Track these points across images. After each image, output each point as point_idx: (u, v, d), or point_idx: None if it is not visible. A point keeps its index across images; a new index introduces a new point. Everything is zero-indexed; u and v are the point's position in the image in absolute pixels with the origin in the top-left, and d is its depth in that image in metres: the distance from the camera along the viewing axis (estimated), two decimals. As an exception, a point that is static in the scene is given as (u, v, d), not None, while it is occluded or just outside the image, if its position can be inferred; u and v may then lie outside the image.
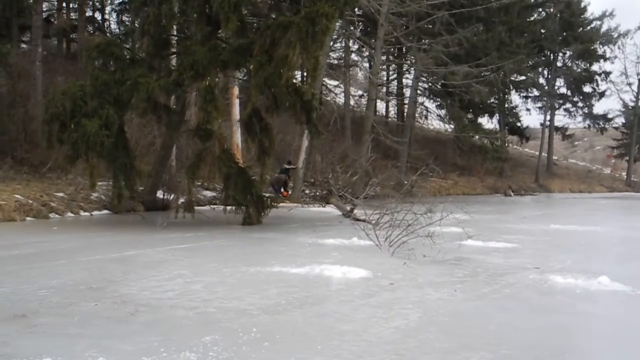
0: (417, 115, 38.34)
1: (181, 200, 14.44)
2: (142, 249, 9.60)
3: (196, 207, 14.02)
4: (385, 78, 39.72)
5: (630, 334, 5.57)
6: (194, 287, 6.73)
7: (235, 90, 20.25)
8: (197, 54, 12.63)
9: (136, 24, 14.25)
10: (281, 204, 17.83)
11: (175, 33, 15.20)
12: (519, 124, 45.99)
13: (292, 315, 5.62)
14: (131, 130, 17.03)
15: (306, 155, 22.32)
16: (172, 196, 15.99)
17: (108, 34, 26.41)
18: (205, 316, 5.49)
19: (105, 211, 15.33)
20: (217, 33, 13.98)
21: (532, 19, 43.37)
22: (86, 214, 14.88)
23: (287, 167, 21.52)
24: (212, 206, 16.84)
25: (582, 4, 47.06)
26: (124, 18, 21.44)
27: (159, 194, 16.18)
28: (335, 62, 36.95)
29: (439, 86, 33.76)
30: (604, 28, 47.73)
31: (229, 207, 14.04)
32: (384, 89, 39.39)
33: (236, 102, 20.36)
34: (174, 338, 4.77)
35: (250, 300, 6.15)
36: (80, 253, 9.14)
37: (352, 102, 36.15)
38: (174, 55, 15.02)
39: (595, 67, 48.50)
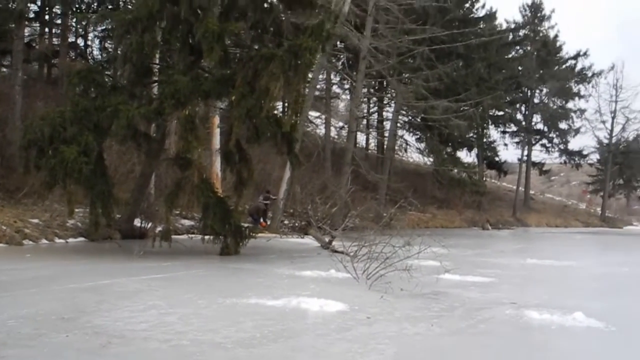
0: (397, 148, 38.64)
1: (159, 228, 14.32)
2: (117, 278, 9.46)
3: (174, 236, 13.88)
4: (366, 111, 40.05)
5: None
6: (169, 318, 6.64)
7: (216, 120, 20.23)
8: (179, 83, 12.64)
9: (118, 51, 14.23)
10: (259, 234, 17.75)
11: (157, 61, 15.23)
12: (497, 159, 46.60)
13: (267, 349, 5.56)
14: (110, 157, 16.92)
15: (287, 186, 22.31)
16: (150, 224, 15.84)
17: (90, 61, 26.39)
18: (178, 349, 5.41)
19: (81, 239, 15.12)
20: (200, 62, 14.05)
21: (510, 56, 44.39)
22: (61, 241, 14.66)
23: (266, 197, 21.48)
24: (190, 235, 16.70)
25: (558, 43, 48.29)
26: (107, 45, 21.47)
27: (137, 222, 16.04)
28: (317, 93, 37.23)
29: (418, 120, 34.11)
30: (579, 67, 48.96)
31: (207, 237, 13.93)
32: (365, 122, 39.71)
33: (217, 131, 20.33)
34: (147, 371, 4.69)
35: (226, 333, 6.07)
36: (53, 281, 8.98)
37: (332, 134, 36.38)
38: (156, 84, 15.03)
39: (570, 104, 49.63)
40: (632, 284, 12.80)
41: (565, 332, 7.07)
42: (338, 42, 32.64)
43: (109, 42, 20.25)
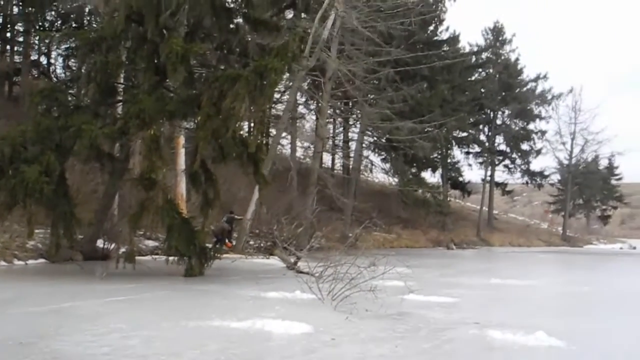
0: (362, 168, 38.84)
1: (122, 249, 14.12)
2: (79, 301, 9.29)
3: (137, 257, 13.68)
4: (331, 131, 40.27)
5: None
6: (131, 341, 6.54)
7: (181, 140, 20.15)
8: (144, 103, 12.58)
9: (82, 70, 14.11)
10: (224, 255, 17.63)
11: (122, 81, 15.14)
12: (460, 179, 47.19)
13: (231, 372, 5.52)
14: (73, 177, 16.66)
15: (256, 207, 22.24)
16: (113, 245, 15.62)
17: (53, 79, 26.06)
18: (141, 373, 5.34)
19: (42, 260, 14.81)
20: (165, 82, 14.01)
21: (473, 78, 45.25)
22: (20, 262, 14.35)
23: (230, 217, 21.37)
24: (154, 256, 16.48)
25: (519, 66, 49.37)
26: (70, 63, 21.24)
27: (99, 243, 15.79)
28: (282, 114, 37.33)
29: (384, 140, 34.37)
30: (539, 90, 50.13)
31: (171, 258, 13.80)
32: (331, 142, 39.87)
33: (182, 151, 20.24)
34: (108, 397, 4.61)
35: (190, 355, 6.01)
36: (11, 305, 8.78)
37: (298, 154, 36.43)
38: (120, 103, 14.92)
39: (532, 126, 50.69)
40: (592, 303, 13.03)
41: (527, 352, 7.16)
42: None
43: (72, 60, 20.02)
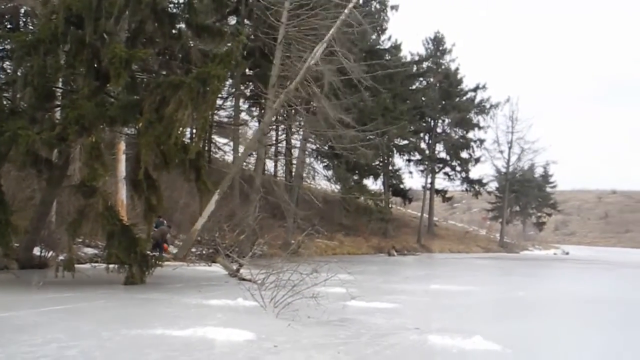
0: (305, 175, 38.94)
1: (60, 257, 13.79)
2: (14, 311, 9.06)
3: (76, 265, 13.40)
4: (274, 138, 40.26)
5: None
6: (70, 352, 6.43)
7: (122, 146, 19.83)
8: (84, 109, 12.34)
9: (19, 74, 13.74)
10: (166, 263, 17.42)
11: (60, 85, 14.81)
12: (402, 186, 47.82)
13: (173, 381, 5.51)
14: (8, 183, 16.16)
15: (206, 218, 21.94)
16: (51, 253, 15.23)
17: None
18: (80, 384, 5.27)
19: (-25, 269, 14.33)
20: (105, 87, 13.78)
21: (414, 87, 46.00)
22: (-49, 272, 13.85)
23: (160, 222, 20.99)
24: (94, 264, 16.17)
25: (459, 76, 50.51)
26: (5, 66, 20.63)
27: (36, 251, 15.36)
28: (225, 120, 37.14)
29: (326, 148, 34.59)
30: (478, 99, 51.34)
31: (111, 266, 13.56)
32: (273, 149, 39.87)
33: (122, 157, 19.91)
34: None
35: (130, 365, 5.96)
36: (-57, 316, 8.50)
37: (241, 161, 36.22)
38: (59, 108, 14.58)
39: (471, 134, 51.77)
40: (527, 308, 13.47)
41: (465, 356, 7.39)
42: (247, 70, 32.84)
43: (8, 63, 19.46)
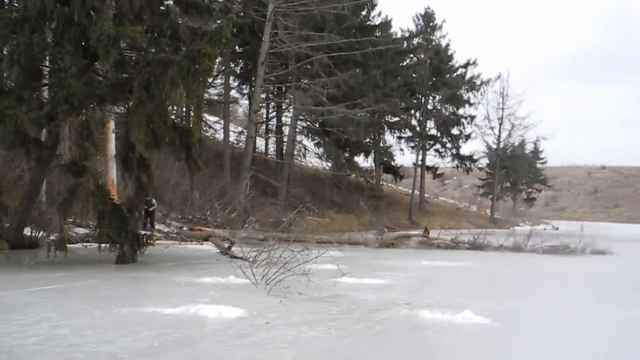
0: (295, 153, 38.92)
1: (51, 237, 13.76)
2: (5, 291, 9.04)
3: (68, 245, 13.37)
4: (264, 116, 40.15)
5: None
6: (61, 331, 6.45)
7: (111, 125, 19.70)
8: (72, 87, 12.21)
9: (5, 52, 13.57)
10: (158, 242, 17.43)
11: (47, 64, 14.65)
12: (393, 163, 47.87)
13: (165, 358, 5.54)
14: (-4, 163, 16.12)
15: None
16: (42, 233, 15.19)
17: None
18: (72, 362, 5.29)
19: (-35, 250, 14.28)
20: (94, 66, 13.64)
21: (404, 64, 45.80)
22: (-58, 252, 13.80)
23: (148, 201, 20.91)
24: (85, 244, 16.15)
25: (449, 52, 50.30)
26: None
27: (27, 231, 15.31)
28: (216, 97, 36.96)
29: (317, 125, 34.54)
30: (468, 75, 51.22)
31: (102, 245, 13.56)
32: (264, 127, 39.77)
33: (112, 136, 19.79)
34: (39, 386, 4.57)
35: (122, 343, 5.98)
36: None
37: (231, 139, 36.20)
38: (47, 87, 14.45)
39: (461, 111, 51.73)
40: (515, 283, 13.60)
41: (455, 330, 7.46)
42: (237, 47, 32.63)
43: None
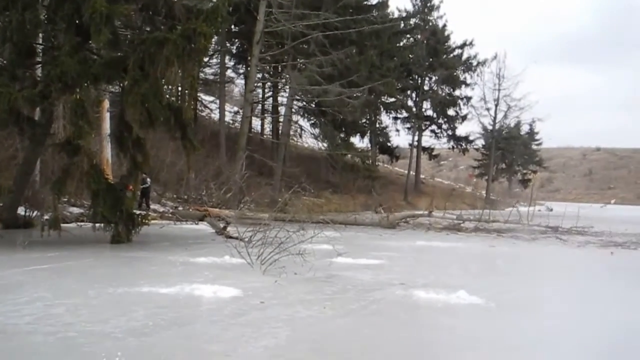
0: (291, 133, 38.79)
1: (45, 217, 13.72)
2: (-1, 270, 9.02)
3: (62, 225, 13.33)
4: (260, 95, 39.96)
5: (485, 345, 5.94)
6: (56, 310, 6.43)
7: (106, 104, 19.57)
8: (66, 65, 12.08)
9: (-3, 29, 13.41)
10: (153, 221, 17.41)
11: (40, 41, 14.49)
12: (389, 144, 47.81)
13: (159, 337, 5.52)
14: (-11, 142, 16.02)
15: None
16: (36, 213, 15.14)
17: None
18: (66, 341, 5.26)
19: (-41, 229, 14.24)
20: (88, 44, 13.49)
21: (401, 44, 45.53)
22: (-64, 232, 13.76)
23: (144, 179, 20.86)
24: (79, 223, 16.13)
25: (446, 33, 50.00)
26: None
27: (20, 211, 15.26)
28: (211, 77, 36.75)
29: (313, 105, 34.40)
30: (465, 56, 50.98)
31: (97, 225, 13.53)
32: (259, 107, 39.60)
33: (107, 115, 19.67)
34: (32, 366, 4.54)
35: (116, 322, 5.96)
36: None
37: (227, 119, 36.03)
38: (40, 65, 14.30)
39: (458, 92, 51.52)
40: (510, 263, 13.63)
41: (449, 310, 7.48)
42: (232, 26, 32.36)
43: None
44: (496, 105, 56.46)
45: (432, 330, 6.48)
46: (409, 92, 48.86)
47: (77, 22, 12.85)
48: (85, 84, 12.91)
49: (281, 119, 35.14)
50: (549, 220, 24.12)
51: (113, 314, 6.31)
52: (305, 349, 5.41)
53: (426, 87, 50.13)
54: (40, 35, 14.22)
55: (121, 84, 14.00)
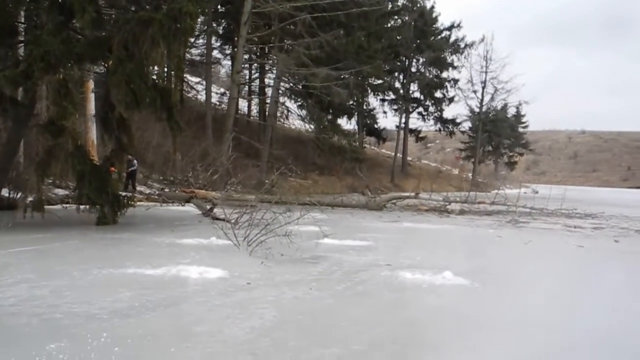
0: (278, 115, 38.67)
1: (30, 199, 13.60)
2: (-17, 252, 8.94)
3: (47, 207, 13.25)
4: (247, 77, 39.73)
5: (469, 326, 5.98)
6: (40, 292, 6.38)
7: (91, 84, 19.38)
8: (49, 45, 11.90)
9: (-23, 8, 13.18)
10: (139, 203, 17.33)
11: (23, 20, 14.27)
12: (376, 126, 47.84)
13: (145, 319, 5.51)
14: (-28, 123, 15.81)
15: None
16: (20, 195, 15.01)
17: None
18: (51, 323, 5.23)
19: (-58, 211, 14.11)
20: (71, 23, 13.31)
21: (389, 25, 45.32)
22: None
23: (130, 161, 20.78)
24: (64, 205, 16.02)
25: (434, 14, 49.91)
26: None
27: (4, 193, 15.12)
28: (198, 58, 36.48)
29: (300, 87, 34.26)
30: (453, 38, 50.97)
31: (82, 207, 13.44)
32: (246, 88, 39.40)
33: (91, 96, 19.49)
34: (14, 348, 4.51)
35: (102, 304, 5.94)
36: None
37: (214, 100, 35.83)
38: (22, 45, 14.09)
39: (445, 74, 51.61)
40: (496, 245, 13.70)
41: (435, 290, 7.52)
42: (219, 6, 32.07)
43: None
44: (483, 88, 56.66)
45: (417, 311, 6.51)
46: (396, 74, 48.82)
47: (60, 0, 12.67)
48: (69, 64, 12.74)
49: (268, 101, 35.02)
50: (534, 202, 24.29)
51: (98, 295, 6.28)
52: (291, 329, 5.41)
53: (414, 69, 50.14)
54: (23, 13, 14.00)
55: (106, 65, 13.84)
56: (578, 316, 6.66)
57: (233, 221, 11.85)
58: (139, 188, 21.48)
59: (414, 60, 49.77)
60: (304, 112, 38.99)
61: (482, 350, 5.14)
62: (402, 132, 50.80)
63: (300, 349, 4.82)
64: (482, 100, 57.20)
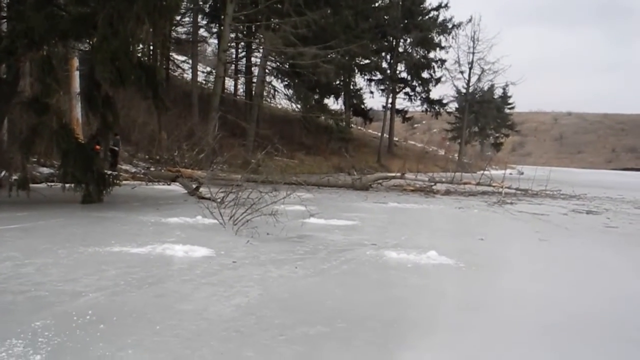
0: (265, 94, 38.52)
1: (14, 177, 13.51)
2: (-33, 230, 8.90)
3: (32, 185, 13.18)
4: (234, 56, 39.47)
5: (454, 305, 6.05)
6: (25, 269, 6.38)
7: (75, 62, 19.18)
8: (32, 21, 11.77)
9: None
10: (124, 182, 17.27)
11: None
12: (362, 106, 47.78)
13: (130, 296, 5.52)
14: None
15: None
16: (4, 173, 14.90)
17: None
18: (36, 300, 5.24)
19: None
20: (55, -1, 13.14)
21: (376, 5, 45.13)
22: None
23: (116, 140, 20.71)
24: (49, 184, 15.93)
25: (422, -6, 49.66)
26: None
27: (-12, 171, 15.00)
28: (184, 36, 36.16)
29: (287, 66, 34.11)
30: (440, 18, 50.80)
31: (67, 185, 13.38)
32: (233, 67, 39.15)
33: (76, 74, 19.30)
34: None
35: (87, 282, 5.95)
36: None
37: (200, 79, 35.60)
38: (4, 20, 13.90)
39: (432, 54, 51.49)
40: (480, 225, 13.81)
41: (419, 270, 7.59)
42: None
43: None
44: (470, 69, 56.71)
45: (402, 289, 6.57)
46: (383, 54, 48.66)
47: (43, -25, 12.49)
48: (53, 41, 12.60)
49: (254, 80, 34.83)
50: (519, 183, 24.49)
51: (84, 273, 6.29)
52: (276, 307, 5.45)
53: (401, 49, 49.97)
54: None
55: (90, 42, 13.69)
56: (563, 295, 6.75)
57: (219, 200, 11.86)
58: (124, 167, 21.39)
59: (402, 40, 49.58)
60: (290, 92, 38.91)
61: (466, 329, 5.21)
62: (388, 112, 50.81)
63: (285, 327, 4.86)
64: (469, 81, 57.33)
